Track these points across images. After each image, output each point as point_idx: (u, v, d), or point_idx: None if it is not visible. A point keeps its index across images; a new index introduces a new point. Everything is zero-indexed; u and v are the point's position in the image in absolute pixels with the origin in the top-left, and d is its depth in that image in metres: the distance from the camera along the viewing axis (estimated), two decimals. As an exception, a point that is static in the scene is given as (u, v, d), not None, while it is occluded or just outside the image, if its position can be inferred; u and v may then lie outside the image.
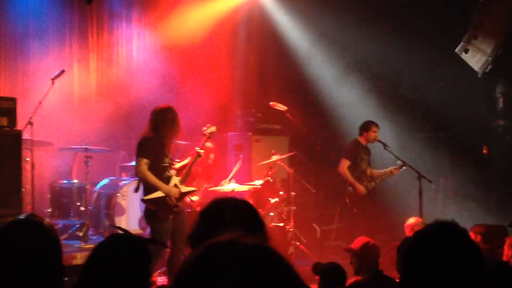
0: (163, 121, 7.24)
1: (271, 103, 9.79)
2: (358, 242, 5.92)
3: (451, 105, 11.27)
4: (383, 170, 9.96)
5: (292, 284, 1.32)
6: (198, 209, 8.09)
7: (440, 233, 2.16)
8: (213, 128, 7.95)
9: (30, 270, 2.48)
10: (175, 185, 7.34)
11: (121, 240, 2.74)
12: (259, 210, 8.72)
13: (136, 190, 7.50)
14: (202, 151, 7.75)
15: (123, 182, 9.76)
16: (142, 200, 7.32)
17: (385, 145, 9.76)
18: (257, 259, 1.30)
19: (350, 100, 12.15)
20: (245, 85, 12.55)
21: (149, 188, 7.22)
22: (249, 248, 1.32)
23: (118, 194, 9.52)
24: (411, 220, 7.42)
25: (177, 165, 7.68)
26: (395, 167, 9.82)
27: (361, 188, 9.65)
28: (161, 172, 7.27)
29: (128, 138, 10.71)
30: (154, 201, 7.21)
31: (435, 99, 11.38)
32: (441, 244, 2.11)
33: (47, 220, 2.74)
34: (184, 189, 7.46)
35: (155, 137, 7.23)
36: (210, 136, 7.95)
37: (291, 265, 1.35)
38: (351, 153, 9.80)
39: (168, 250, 7.19)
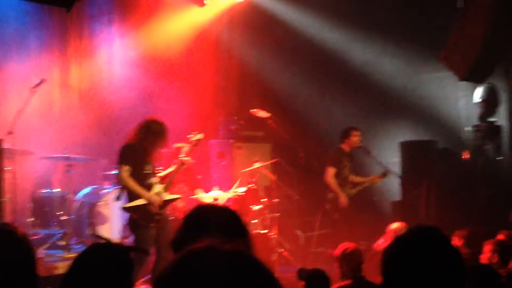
0: (147, 131, 7.21)
1: (252, 110, 9.78)
2: (341, 248, 5.93)
3: (431, 110, 11.32)
4: (365, 178, 10.00)
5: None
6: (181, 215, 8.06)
7: (421, 238, 2.16)
8: (199, 136, 7.91)
9: (2, 279, 2.45)
10: (158, 193, 7.31)
11: (103, 249, 2.72)
12: (242, 217, 8.76)
13: (118, 198, 7.47)
14: (187, 159, 7.69)
15: (105, 190, 9.71)
16: (123, 208, 7.28)
17: (368, 152, 9.80)
18: (235, 265, 1.30)
19: (332, 108, 12.17)
20: (227, 93, 12.55)
21: (132, 195, 7.19)
22: (227, 254, 1.32)
23: (100, 203, 9.47)
24: (394, 225, 7.44)
25: (161, 174, 7.65)
26: (377, 175, 9.87)
27: (343, 199, 9.63)
28: (143, 179, 7.23)
29: (110, 146, 10.62)
30: (135, 209, 7.17)
31: (414, 105, 11.43)
32: (422, 249, 2.11)
33: (20, 229, 2.72)
34: (168, 196, 7.42)
35: (137, 145, 7.20)
36: (196, 144, 7.91)
37: (270, 272, 1.35)
38: (335, 161, 9.81)
39: (152, 258, 7.16)
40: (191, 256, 1.33)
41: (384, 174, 9.85)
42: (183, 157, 7.69)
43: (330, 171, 9.73)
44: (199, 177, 9.37)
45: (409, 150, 10.94)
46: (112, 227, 9.41)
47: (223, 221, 2.44)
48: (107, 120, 11.17)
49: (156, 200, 7.23)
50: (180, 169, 7.66)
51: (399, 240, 2.22)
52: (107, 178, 10.16)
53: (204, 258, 1.31)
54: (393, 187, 10.71)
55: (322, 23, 11.98)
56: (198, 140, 7.90)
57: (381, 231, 8.02)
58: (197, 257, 1.32)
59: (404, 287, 2.05)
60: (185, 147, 8.25)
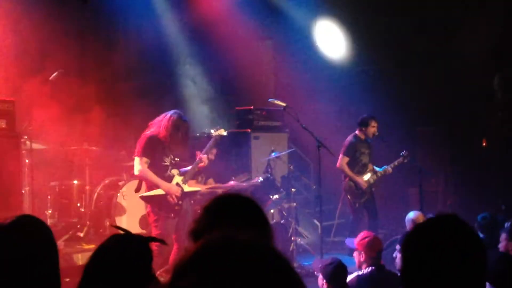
0: (170, 124, 7.20)
1: (269, 99, 9.77)
2: (360, 236, 5.93)
3: (449, 97, 11.26)
4: (385, 165, 9.96)
5: (289, 283, 1.31)
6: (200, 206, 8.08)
7: (441, 226, 2.13)
8: (222, 131, 7.88)
9: (26, 270, 2.48)
10: (177, 184, 7.32)
11: (122, 240, 2.72)
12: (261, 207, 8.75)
13: (137, 189, 7.49)
14: (205, 156, 7.64)
15: (123, 182, 9.73)
16: (141, 197, 7.30)
17: (384, 140, 9.77)
18: (250, 256, 1.29)
19: (350, 94, 12.12)
20: (242, 84, 12.53)
21: (151, 186, 7.22)
22: (243, 244, 1.31)
23: (119, 194, 9.50)
24: (411, 214, 7.42)
25: (181, 169, 7.66)
26: (396, 161, 9.83)
27: (361, 181, 9.67)
28: (162, 171, 7.24)
29: (128, 137, 10.65)
30: (153, 199, 7.19)
31: (432, 92, 11.37)
32: (442, 237, 2.07)
33: (42, 221, 2.74)
34: (187, 188, 7.43)
35: (158, 137, 7.20)
36: (219, 140, 7.90)
37: (288, 262, 1.34)
38: (350, 149, 9.80)
39: (173, 248, 7.19)
40: (206, 246, 1.33)
41: (403, 159, 9.81)
42: (202, 155, 7.64)
43: (343, 160, 9.74)
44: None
45: (426, 137, 10.89)
46: (131, 218, 9.45)
47: (243, 211, 2.44)
48: (126, 110, 11.18)
49: (176, 190, 7.24)
50: (198, 166, 7.64)
51: (418, 228, 2.19)
52: (125, 169, 10.19)
53: (220, 248, 1.31)
54: (410, 174, 10.67)
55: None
56: (220, 136, 7.88)
57: (399, 220, 8.00)
58: (213, 247, 1.32)
59: (424, 275, 2.03)
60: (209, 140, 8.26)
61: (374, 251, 5.68)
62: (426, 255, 2.04)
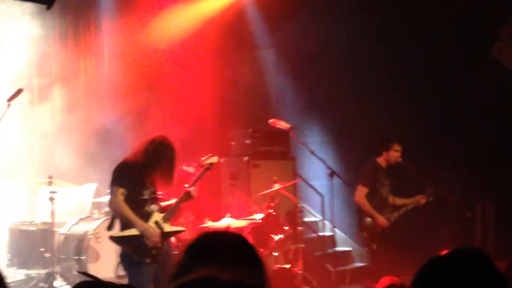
0: (151, 151, 7.20)
1: (270, 120, 9.78)
2: (382, 284, 5.88)
3: (477, 113, 11.28)
4: (408, 199, 9.93)
5: None
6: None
7: (459, 260, 2.17)
8: (214, 159, 7.91)
9: None
10: (156, 223, 7.28)
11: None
12: (261, 249, 8.68)
13: (110, 227, 7.45)
14: (193, 189, 7.62)
15: (96, 221, 9.70)
16: (111, 238, 7.26)
17: (408, 168, 9.75)
18: None
19: (365, 112, 12.13)
20: (238, 102, 12.56)
21: (125, 224, 7.16)
22: (225, 285, 1.30)
23: (90, 236, 9.46)
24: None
25: (163, 203, 7.63)
26: (422, 195, 9.80)
27: (382, 219, 9.62)
28: (140, 206, 7.19)
29: (101, 168, 10.67)
30: (126, 241, 7.13)
31: (457, 107, 11.39)
32: (461, 273, 2.12)
33: None
34: (168, 228, 7.39)
35: (137, 164, 7.19)
36: (210, 168, 7.90)
37: None
38: (369, 178, 9.77)
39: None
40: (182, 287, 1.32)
41: (431, 194, 9.78)
42: (189, 187, 7.62)
43: (362, 191, 9.69)
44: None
45: (459, 165, 10.87)
46: (105, 264, 9.39)
47: (230, 250, 2.41)
48: (98, 138, 11.21)
49: (153, 231, 7.19)
50: (184, 201, 7.63)
51: (433, 261, 2.22)
52: (98, 206, 10.18)
53: None
54: (442, 210, 10.63)
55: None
56: (212, 164, 7.89)
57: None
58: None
59: None
60: (193, 170, 8.24)
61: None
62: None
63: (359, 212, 9.81)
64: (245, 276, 1.34)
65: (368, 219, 9.70)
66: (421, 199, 9.80)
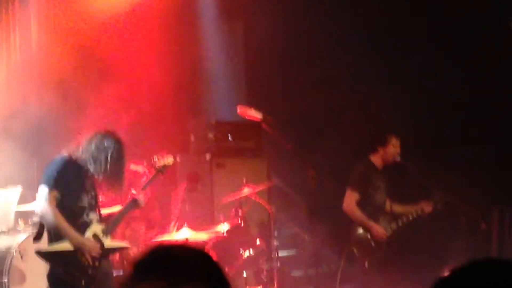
0: (93, 147, 7.19)
1: (239, 107, 9.73)
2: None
3: (493, 107, 11.36)
4: (410, 206, 9.95)
5: None
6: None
7: (479, 272, 2.18)
8: (169, 160, 7.98)
9: None
10: (95, 236, 7.23)
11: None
12: (227, 268, 8.68)
13: (37, 237, 7.40)
14: (140, 196, 7.60)
15: (21, 235, 9.62)
16: (38, 253, 7.21)
17: (409, 168, 9.79)
18: None
19: (357, 101, 12.15)
20: (199, 86, 12.51)
21: (55, 236, 7.12)
22: None
23: (14, 253, 9.38)
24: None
25: (104, 211, 7.61)
26: (427, 202, 9.83)
27: (378, 230, 9.64)
28: (76, 215, 7.16)
29: (27, 168, 10.58)
30: (56, 257, 7.11)
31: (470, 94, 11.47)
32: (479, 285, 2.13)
33: None
34: (109, 243, 7.36)
35: (73, 163, 7.15)
36: (163, 171, 7.97)
37: None
38: (360, 181, 9.81)
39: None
40: None
41: (437, 200, 9.81)
42: (137, 193, 7.60)
43: (352, 197, 9.73)
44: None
45: (469, 161, 10.94)
46: (33, 287, 9.33)
47: (189, 268, 2.39)
48: (25, 132, 11.10)
49: (91, 246, 7.15)
50: (131, 209, 7.63)
51: (453, 275, 2.22)
52: (23, 215, 10.08)
53: None
54: (451, 220, 10.69)
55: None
56: (165, 166, 7.95)
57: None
58: None
59: None
60: (143, 169, 8.23)
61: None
62: None
63: (349, 223, 9.83)
64: None
65: (360, 231, 9.73)
66: (426, 207, 9.84)
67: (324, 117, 12.27)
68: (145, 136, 10.90)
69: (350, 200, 9.76)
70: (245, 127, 11.23)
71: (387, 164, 9.92)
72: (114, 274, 7.78)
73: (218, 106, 11.94)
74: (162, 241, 8.72)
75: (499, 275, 2.14)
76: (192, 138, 11.59)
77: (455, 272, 2.21)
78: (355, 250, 9.82)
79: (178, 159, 11.15)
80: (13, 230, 9.90)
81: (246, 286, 9.30)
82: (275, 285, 9.50)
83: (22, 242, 9.45)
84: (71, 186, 7.15)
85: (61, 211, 7.04)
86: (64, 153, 7.27)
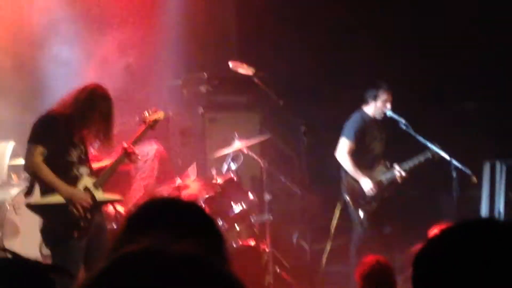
0: (82, 101, 7.19)
1: (231, 63, 9.74)
2: (365, 263, 5.97)
3: (492, 63, 11.38)
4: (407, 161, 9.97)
5: None
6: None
7: (471, 232, 2.13)
8: (159, 115, 7.95)
9: None
10: (86, 190, 7.30)
11: (9, 269, 2.73)
12: (219, 222, 8.73)
13: (28, 192, 7.43)
14: (133, 148, 7.64)
15: (14, 188, 9.67)
16: (28, 206, 7.24)
17: (401, 122, 9.80)
18: (181, 274, 1.31)
19: (352, 54, 12.16)
20: (190, 38, 12.46)
21: (46, 190, 7.15)
22: (172, 259, 1.32)
23: (8, 207, 9.44)
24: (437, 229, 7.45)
25: (97, 164, 7.63)
26: (422, 154, 9.82)
27: (367, 183, 9.69)
28: (65, 169, 7.19)
29: (20, 123, 10.58)
30: (47, 210, 7.14)
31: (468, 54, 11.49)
32: (472, 247, 2.07)
33: None
34: (101, 196, 7.41)
35: (63, 118, 7.16)
36: (153, 126, 7.95)
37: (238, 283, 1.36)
38: (356, 130, 9.82)
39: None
40: (122, 262, 1.34)
41: (433, 154, 9.81)
42: (128, 145, 7.62)
43: (345, 145, 9.75)
44: None
45: (464, 118, 10.99)
46: (26, 240, 9.39)
47: (182, 221, 2.44)
48: (20, 87, 11.09)
49: (82, 196, 7.20)
50: (122, 162, 7.68)
51: (440, 237, 2.18)
52: (16, 170, 10.13)
53: (140, 265, 1.32)
54: (441, 173, 10.75)
55: None
56: (156, 121, 7.93)
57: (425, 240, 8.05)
58: (130, 263, 1.33)
59: None
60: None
61: (381, 283, 5.72)
62: (448, 271, 2.05)
63: (344, 173, 9.85)
64: (200, 249, 1.36)
65: (353, 181, 9.76)
66: (421, 157, 9.81)
67: (316, 72, 12.26)
68: (137, 90, 10.91)
69: (343, 149, 9.79)
70: (237, 82, 11.21)
71: (378, 115, 9.92)
72: (108, 227, 7.83)
73: (210, 60, 11.87)
74: (156, 195, 8.76)
75: (487, 236, 2.10)
76: (185, 93, 11.57)
77: (444, 234, 2.17)
78: (348, 198, 9.86)
79: (170, 113, 11.21)
80: (6, 184, 9.96)
81: (238, 240, 9.33)
82: (268, 238, 9.57)
83: (15, 196, 9.53)
84: (59, 141, 7.15)
85: (50, 166, 7.05)
86: (52, 108, 7.28)
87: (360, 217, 9.82)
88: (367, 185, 9.70)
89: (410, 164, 9.87)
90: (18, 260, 2.76)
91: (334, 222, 10.34)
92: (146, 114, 7.93)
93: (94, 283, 1.32)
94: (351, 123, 9.90)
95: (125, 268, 1.33)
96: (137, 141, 7.84)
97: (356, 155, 9.80)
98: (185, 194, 8.87)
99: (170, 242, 1.35)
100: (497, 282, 2.02)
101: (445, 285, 2.05)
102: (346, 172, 9.85)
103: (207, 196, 9.21)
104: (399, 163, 9.90)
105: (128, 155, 7.58)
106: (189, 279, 1.30)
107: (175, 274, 1.30)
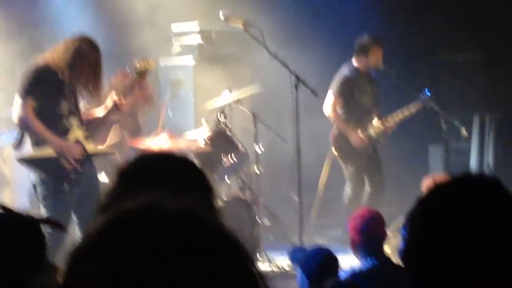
0: (72, 52, 7.18)
1: (222, 13, 9.67)
2: (355, 217, 5.98)
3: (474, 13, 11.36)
4: (397, 112, 9.94)
5: (241, 274, 1.33)
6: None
7: (464, 189, 2.11)
8: (150, 62, 7.86)
9: None
10: (77, 142, 7.29)
11: (1, 222, 2.73)
12: (209, 174, 8.75)
13: (18, 145, 7.42)
14: (120, 98, 7.58)
15: (4, 139, 9.66)
16: (19, 160, 7.25)
17: (392, 74, 9.80)
18: (183, 231, 1.31)
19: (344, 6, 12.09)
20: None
21: (37, 142, 7.17)
22: (172, 215, 1.32)
23: (-3, 158, 9.45)
24: (430, 180, 7.45)
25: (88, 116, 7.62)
26: (414, 103, 9.79)
27: (356, 136, 9.71)
28: (55, 121, 7.20)
29: (10, 72, 10.52)
30: (38, 163, 7.16)
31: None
32: (465, 204, 2.04)
33: None
34: (92, 148, 7.39)
35: (51, 69, 7.15)
36: (141, 76, 7.87)
37: (237, 242, 1.35)
38: (344, 86, 9.82)
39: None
40: (119, 219, 1.33)
41: (423, 103, 9.80)
42: (117, 96, 7.59)
43: (334, 101, 9.75)
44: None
45: (455, 69, 10.98)
46: (17, 192, 9.41)
47: (174, 175, 2.45)
48: (18, 29, 11.01)
49: (73, 149, 7.21)
50: (112, 112, 7.66)
51: (430, 192, 2.16)
52: (6, 120, 10.10)
53: (138, 221, 1.31)
54: (431, 126, 10.76)
55: None
56: (146, 71, 7.85)
57: (415, 192, 8.08)
58: (128, 220, 1.32)
59: (439, 261, 2.04)
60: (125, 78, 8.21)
61: (374, 238, 5.73)
62: (442, 230, 2.02)
63: (335, 128, 9.86)
64: (196, 205, 1.36)
65: (343, 135, 9.77)
66: (413, 107, 9.80)
67: (307, 24, 12.20)
68: (127, 40, 10.85)
69: (330, 103, 9.81)
70: (228, 33, 11.17)
71: (368, 69, 9.92)
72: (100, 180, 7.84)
73: (200, 10, 11.76)
74: (146, 149, 8.74)
75: (477, 192, 2.08)
76: (174, 43, 11.51)
77: (434, 192, 2.16)
78: (336, 154, 9.88)
79: (161, 64, 11.18)
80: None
81: (228, 193, 9.35)
82: (259, 191, 9.59)
83: (5, 146, 9.52)
84: (48, 93, 7.16)
85: (39, 118, 7.08)
86: (41, 60, 7.27)
87: (348, 170, 9.86)
88: (356, 138, 9.71)
89: (400, 115, 9.87)
90: (9, 213, 2.76)
91: (324, 178, 10.37)
92: (136, 63, 7.84)
93: (94, 241, 1.32)
94: (338, 77, 9.90)
95: (125, 226, 1.32)
96: (128, 91, 7.81)
97: (346, 109, 9.80)
98: (175, 147, 8.86)
99: (166, 198, 1.35)
100: (493, 243, 2.00)
101: (438, 248, 2.03)
102: (334, 126, 9.86)
103: (197, 148, 9.22)
104: (390, 114, 9.90)
105: (117, 107, 7.55)
106: (191, 236, 1.30)
107: (176, 231, 1.30)
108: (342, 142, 9.83)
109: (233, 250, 1.34)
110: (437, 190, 2.18)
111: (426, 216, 2.11)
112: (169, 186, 2.34)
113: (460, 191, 2.12)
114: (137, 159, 2.60)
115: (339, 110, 9.81)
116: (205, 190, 2.48)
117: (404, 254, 2.14)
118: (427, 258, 2.05)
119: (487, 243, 2.00)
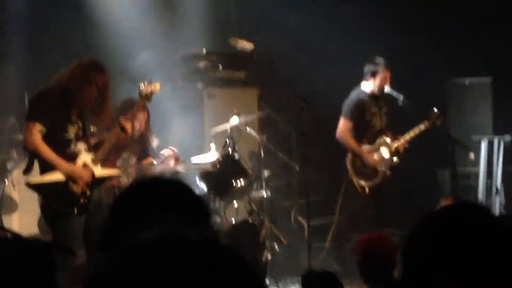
0: (79, 76, 7.19)
1: (231, 39, 9.73)
2: (363, 242, 5.98)
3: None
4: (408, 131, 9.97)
5: None
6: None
7: (456, 217, 2.16)
8: (156, 86, 7.89)
9: None
10: (84, 165, 7.32)
11: (9, 246, 2.76)
12: (218, 198, 8.73)
13: (27, 170, 7.44)
14: (128, 123, 7.63)
15: (14, 164, 9.68)
16: (28, 185, 7.25)
17: (400, 99, 9.83)
18: (206, 262, 1.33)
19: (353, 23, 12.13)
20: (189, 12, 12.40)
21: (45, 167, 7.16)
22: (195, 247, 1.35)
23: (6, 182, 9.46)
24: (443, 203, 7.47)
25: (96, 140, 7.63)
26: (426, 120, 9.81)
27: (370, 157, 9.72)
28: (63, 146, 7.21)
29: (21, 98, 10.57)
30: (47, 188, 7.15)
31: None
32: (456, 231, 2.11)
33: None
34: (100, 171, 7.43)
35: (58, 94, 7.18)
36: (149, 98, 7.92)
37: (255, 273, 1.38)
38: (354, 109, 9.84)
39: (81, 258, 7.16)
40: (140, 252, 1.34)
41: (435, 118, 9.82)
42: (124, 119, 7.61)
43: (344, 125, 9.79)
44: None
45: (465, 93, 10.99)
46: (25, 216, 9.41)
47: (168, 202, 2.44)
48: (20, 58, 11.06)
49: (81, 172, 7.23)
50: (119, 136, 7.69)
51: (426, 220, 2.22)
52: (15, 144, 10.13)
53: (161, 253, 1.33)
54: (439, 149, 10.77)
55: None
56: (152, 93, 7.88)
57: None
58: (151, 252, 1.34)
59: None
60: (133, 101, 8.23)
61: (381, 264, 5.73)
62: (435, 255, 2.08)
63: (338, 153, 9.88)
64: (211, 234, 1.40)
65: (356, 158, 9.79)
66: (423, 126, 9.83)
67: (315, 49, 12.25)
68: (134, 64, 10.90)
69: (342, 128, 9.84)
70: (236, 58, 11.22)
71: (379, 91, 9.94)
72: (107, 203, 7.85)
73: (209, 36, 11.83)
74: (153, 173, 8.76)
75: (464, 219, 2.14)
76: (183, 68, 11.55)
77: (425, 220, 2.22)
78: (352, 178, 9.90)
79: (169, 88, 11.20)
80: (5, 159, 9.95)
81: (236, 218, 9.36)
82: (265, 215, 9.60)
83: (14, 170, 9.54)
84: (56, 117, 7.17)
85: (48, 143, 7.08)
86: (48, 84, 7.29)
87: (361, 192, 9.86)
88: (371, 159, 9.75)
89: (411, 134, 9.90)
90: (18, 239, 2.79)
91: (341, 201, 10.36)
92: (142, 86, 7.87)
93: (115, 272, 1.34)
94: (348, 102, 9.93)
95: (148, 258, 1.33)
96: (134, 114, 7.84)
97: (358, 133, 9.83)
98: (181, 171, 8.89)
99: (186, 228, 1.37)
100: (489, 269, 2.05)
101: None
102: (348, 150, 9.88)
103: (205, 172, 9.22)
104: (401, 134, 9.94)
105: (123, 128, 7.59)
106: (212, 266, 1.32)
107: (199, 261, 1.33)
108: (356, 164, 9.83)
109: (254, 281, 1.37)
110: (429, 218, 2.24)
111: (415, 244, 2.19)
112: (162, 212, 2.36)
113: (447, 219, 2.17)
114: (129, 187, 2.61)
115: (351, 134, 9.83)
116: (202, 215, 2.47)
117: (400, 280, 2.18)
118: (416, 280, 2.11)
119: (474, 267, 2.05)
